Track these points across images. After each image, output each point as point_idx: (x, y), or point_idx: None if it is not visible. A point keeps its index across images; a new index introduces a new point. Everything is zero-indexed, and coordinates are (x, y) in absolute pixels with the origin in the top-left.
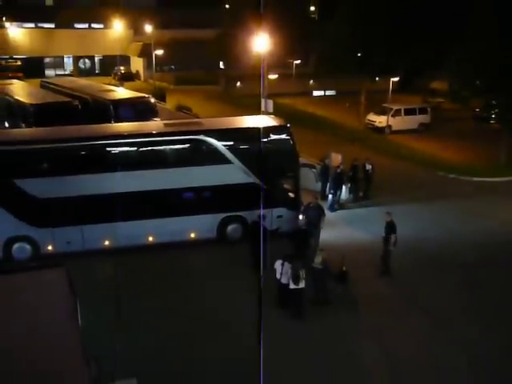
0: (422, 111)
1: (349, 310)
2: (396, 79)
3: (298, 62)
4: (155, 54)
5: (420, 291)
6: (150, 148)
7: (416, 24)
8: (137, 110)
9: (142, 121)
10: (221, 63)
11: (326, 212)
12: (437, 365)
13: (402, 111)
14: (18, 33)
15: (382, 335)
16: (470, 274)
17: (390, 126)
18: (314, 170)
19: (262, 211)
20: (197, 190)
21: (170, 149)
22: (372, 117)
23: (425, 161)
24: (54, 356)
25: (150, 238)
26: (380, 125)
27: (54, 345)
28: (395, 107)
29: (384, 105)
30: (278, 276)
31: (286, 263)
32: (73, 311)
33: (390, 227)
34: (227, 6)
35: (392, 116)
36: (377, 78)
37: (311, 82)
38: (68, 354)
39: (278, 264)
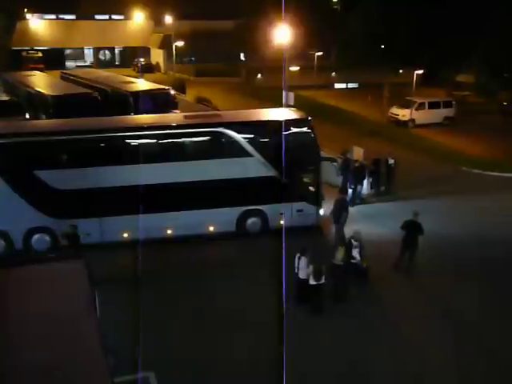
0: (447, 105)
1: (368, 307)
2: (420, 72)
3: (320, 54)
4: (175, 46)
5: (441, 290)
6: (169, 140)
7: (443, 14)
8: (156, 101)
9: (162, 113)
10: (241, 55)
11: None
12: (458, 368)
13: (426, 104)
14: (39, 24)
15: (401, 333)
16: (493, 272)
17: (413, 120)
18: (335, 163)
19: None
20: (216, 183)
21: (190, 141)
22: (395, 110)
23: (449, 155)
24: (72, 347)
25: (169, 231)
26: (403, 118)
27: (72, 335)
28: (419, 100)
29: (407, 98)
30: (298, 270)
31: (302, 258)
32: (91, 302)
33: (418, 228)
34: None
35: (416, 109)
36: (400, 71)
37: (333, 74)
38: (86, 345)
39: (296, 259)
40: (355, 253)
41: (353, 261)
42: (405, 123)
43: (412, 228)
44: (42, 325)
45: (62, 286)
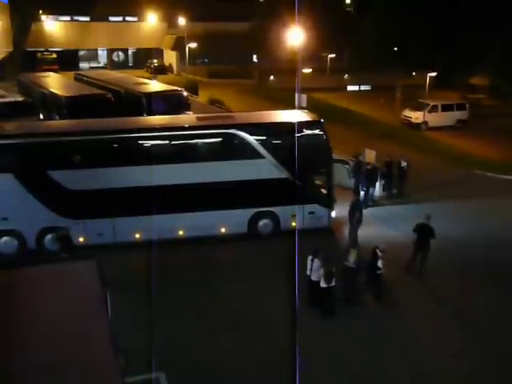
0: (460, 107)
1: (380, 310)
2: (433, 74)
3: (333, 56)
4: (188, 47)
5: (453, 292)
6: (181, 141)
7: (457, 17)
8: (169, 103)
9: (175, 114)
10: (254, 57)
11: None
12: (469, 370)
13: (439, 107)
14: (54, 26)
15: (413, 335)
16: (505, 275)
17: (426, 122)
18: (347, 166)
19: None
20: (228, 184)
21: (202, 142)
22: (408, 113)
23: (461, 158)
24: (83, 347)
25: (181, 232)
26: (416, 121)
27: (84, 336)
28: (432, 103)
29: (420, 100)
30: (308, 273)
31: (315, 260)
32: (103, 303)
33: (430, 231)
34: None
35: (428, 112)
36: (413, 73)
37: (346, 76)
38: (97, 346)
39: (308, 261)
40: (380, 263)
41: (378, 272)
42: (417, 126)
43: (424, 231)
44: (53, 325)
45: (73, 286)
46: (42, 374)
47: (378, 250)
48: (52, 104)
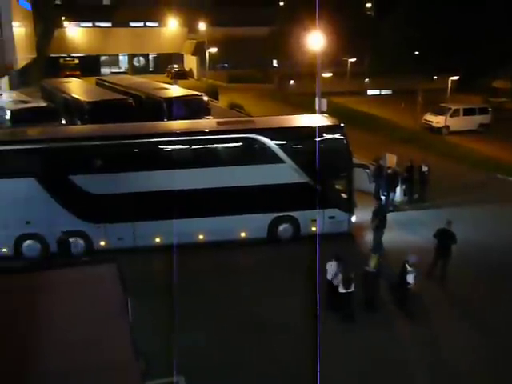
0: (483, 111)
1: (400, 315)
2: (455, 78)
3: (353, 60)
4: (209, 52)
5: (475, 298)
6: (202, 146)
7: (479, 20)
8: (190, 108)
9: (195, 119)
10: (274, 61)
11: None
12: (491, 378)
13: (461, 111)
14: (76, 32)
15: (434, 343)
16: None
17: (447, 127)
18: (367, 170)
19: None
20: (248, 189)
21: (223, 147)
22: (429, 117)
23: (483, 163)
24: (104, 350)
25: (201, 237)
26: (437, 125)
27: (105, 339)
28: (454, 107)
29: (442, 104)
30: (329, 277)
31: (334, 264)
32: (123, 307)
33: (451, 236)
34: (281, 3)
35: (450, 116)
36: (435, 77)
37: (366, 80)
38: (118, 349)
39: (328, 265)
40: (410, 278)
41: (408, 286)
42: (439, 130)
43: (445, 236)
44: (74, 328)
45: (94, 289)
46: (63, 377)
47: (407, 264)
48: (74, 109)
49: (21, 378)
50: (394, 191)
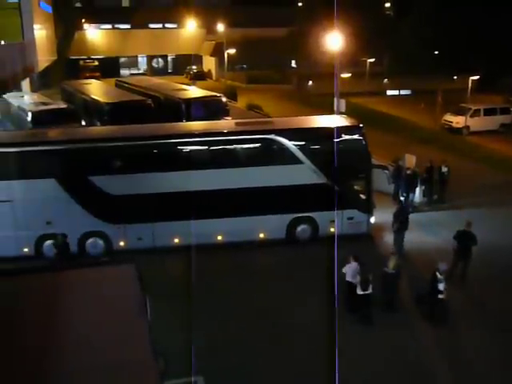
0: (504, 111)
1: (420, 317)
2: (475, 78)
3: (372, 60)
4: (227, 53)
5: (495, 301)
6: (220, 147)
7: (499, 19)
8: (208, 108)
9: (214, 120)
10: (293, 62)
11: None
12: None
13: (482, 111)
14: (95, 34)
15: (454, 346)
16: None
17: (467, 127)
18: (386, 171)
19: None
20: (267, 189)
21: (241, 148)
22: (449, 117)
23: (504, 163)
24: (122, 350)
25: (219, 237)
26: (457, 125)
27: (123, 339)
28: (474, 107)
29: (462, 104)
30: (348, 278)
31: (352, 265)
32: (142, 307)
33: (471, 238)
34: (300, 3)
35: (470, 116)
36: (455, 77)
37: (385, 80)
38: (136, 349)
39: (347, 266)
40: (441, 287)
41: (440, 296)
42: (459, 130)
43: (465, 238)
44: (93, 327)
45: (113, 289)
46: (81, 376)
47: (437, 273)
48: (93, 110)
49: (39, 378)
50: (414, 192)
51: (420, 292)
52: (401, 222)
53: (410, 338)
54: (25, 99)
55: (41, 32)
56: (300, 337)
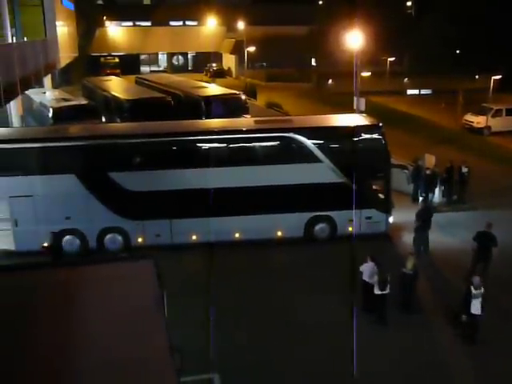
0: None
1: (437, 319)
2: (497, 77)
3: (393, 59)
4: (247, 51)
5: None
6: (239, 145)
7: None
8: (228, 106)
9: (233, 117)
10: (313, 60)
11: None
12: None
13: (504, 111)
14: (116, 31)
15: (472, 351)
16: None
17: (489, 127)
18: (405, 171)
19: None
20: (285, 188)
21: (260, 146)
22: (470, 117)
23: None
24: (139, 346)
25: (237, 235)
26: (478, 125)
27: (140, 335)
28: (496, 107)
29: (483, 104)
30: (365, 278)
31: (370, 265)
32: (160, 302)
33: (491, 239)
34: (320, 1)
35: (492, 116)
36: (476, 76)
37: (405, 80)
38: (153, 345)
39: (364, 266)
40: (477, 303)
41: (476, 313)
42: (480, 130)
43: (485, 239)
44: (110, 323)
45: (131, 285)
46: (98, 372)
47: (472, 287)
48: (114, 107)
49: (54, 375)
50: (433, 192)
51: (455, 309)
52: (423, 221)
53: (426, 339)
54: (46, 95)
55: (63, 29)
56: (316, 336)
